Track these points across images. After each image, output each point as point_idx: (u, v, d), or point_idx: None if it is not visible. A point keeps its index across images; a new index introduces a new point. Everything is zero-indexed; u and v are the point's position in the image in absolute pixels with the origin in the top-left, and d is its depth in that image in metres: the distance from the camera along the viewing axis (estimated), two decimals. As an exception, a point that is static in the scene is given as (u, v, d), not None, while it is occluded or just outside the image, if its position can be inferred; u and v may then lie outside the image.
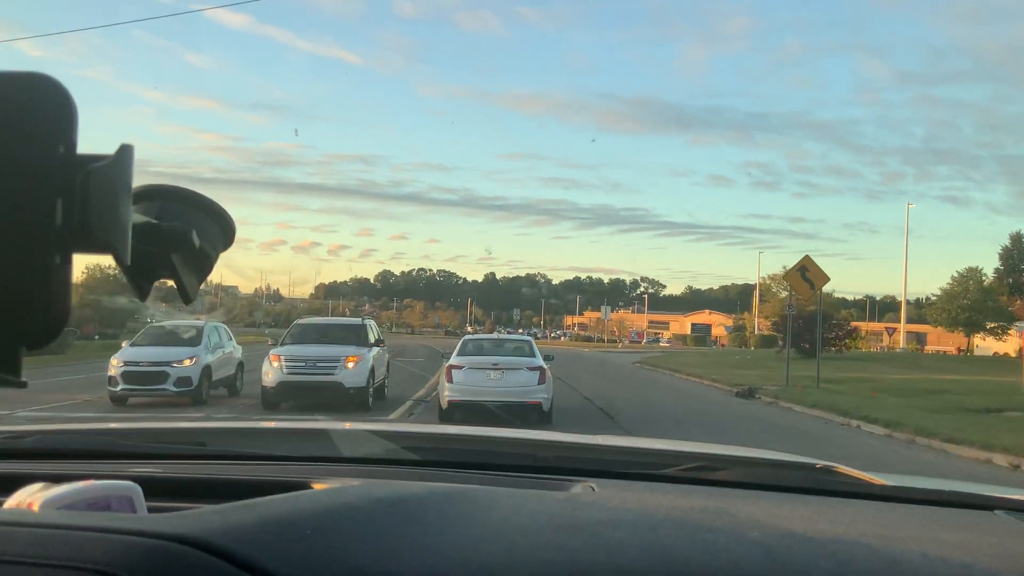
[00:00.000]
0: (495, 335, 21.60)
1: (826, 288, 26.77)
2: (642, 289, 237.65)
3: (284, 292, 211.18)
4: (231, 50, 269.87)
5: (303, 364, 15.42)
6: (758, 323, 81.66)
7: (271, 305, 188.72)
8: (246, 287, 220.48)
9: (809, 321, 40.35)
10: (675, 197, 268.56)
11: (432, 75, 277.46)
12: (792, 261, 25.51)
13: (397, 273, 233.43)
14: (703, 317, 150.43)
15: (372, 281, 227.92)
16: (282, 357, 15.46)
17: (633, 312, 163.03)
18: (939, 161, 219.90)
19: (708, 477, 1.52)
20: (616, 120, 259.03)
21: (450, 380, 13.52)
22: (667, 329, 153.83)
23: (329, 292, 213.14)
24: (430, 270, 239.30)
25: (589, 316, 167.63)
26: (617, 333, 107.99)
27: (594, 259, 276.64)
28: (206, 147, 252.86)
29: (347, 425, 1.91)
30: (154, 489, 1.09)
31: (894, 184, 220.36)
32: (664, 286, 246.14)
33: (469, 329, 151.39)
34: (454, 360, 13.99)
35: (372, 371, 16.03)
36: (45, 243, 0.52)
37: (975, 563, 0.99)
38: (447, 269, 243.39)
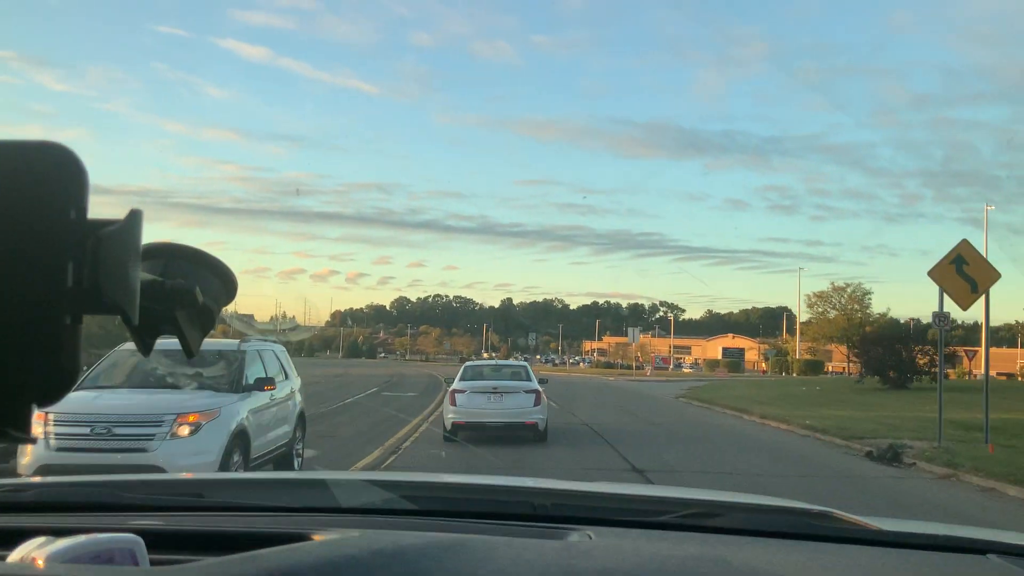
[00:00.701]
0: (494, 361, 21.12)
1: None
2: (662, 313, 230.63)
3: (300, 320, 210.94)
4: (250, 82, 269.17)
5: (86, 432, 7.58)
6: (800, 348, 73.49)
7: (287, 333, 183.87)
8: (261, 315, 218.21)
9: (891, 342, 32.60)
10: (692, 221, 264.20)
11: (448, 103, 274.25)
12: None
13: (413, 300, 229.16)
14: (726, 341, 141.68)
15: (388, 308, 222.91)
16: (50, 417, 7.59)
17: (654, 337, 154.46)
18: (958, 183, 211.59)
19: (704, 524, 1.49)
20: (631, 145, 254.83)
21: (453, 403, 13.93)
22: (688, 354, 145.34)
23: (345, 318, 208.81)
24: (446, 296, 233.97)
25: (608, 341, 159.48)
26: (641, 359, 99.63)
27: (611, 284, 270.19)
28: (226, 177, 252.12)
29: (345, 475, 1.93)
30: (155, 541, 1.08)
31: (912, 206, 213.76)
32: (683, 310, 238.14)
33: (485, 355, 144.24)
34: (457, 385, 14.29)
35: (239, 436, 8.30)
36: (56, 305, 0.53)
37: None
38: (464, 295, 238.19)
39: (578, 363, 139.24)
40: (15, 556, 0.92)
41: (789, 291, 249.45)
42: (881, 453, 13.32)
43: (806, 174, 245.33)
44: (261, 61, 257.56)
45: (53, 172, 0.53)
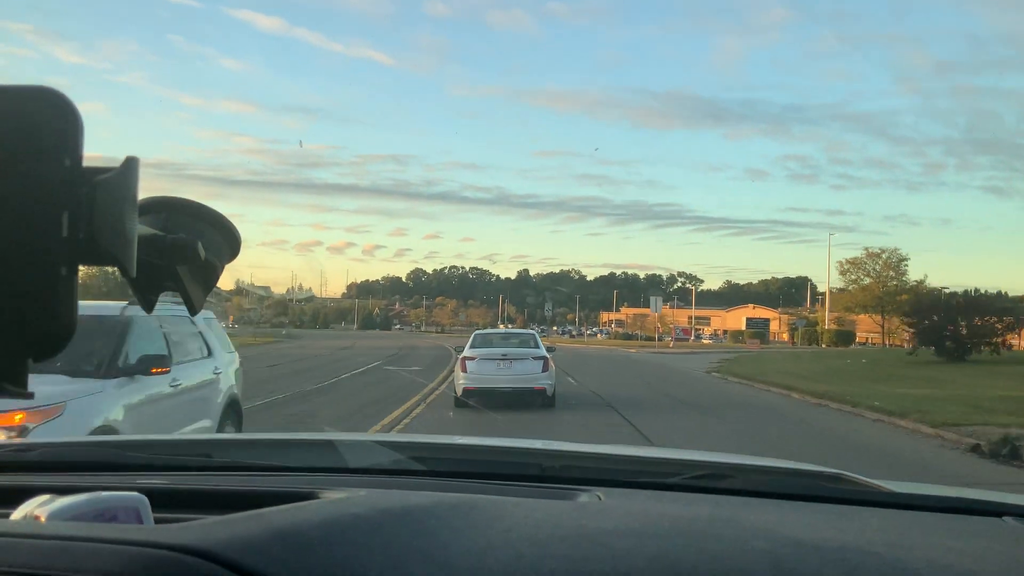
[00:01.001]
0: (504, 330, 21.48)
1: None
2: (680, 284, 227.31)
3: (317, 292, 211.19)
4: (264, 54, 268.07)
5: None
6: (828, 318, 69.94)
7: (301, 304, 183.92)
8: (279, 287, 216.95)
9: (950, 311, 29.21)
10: (710, 192, 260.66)
11: (464, 74, 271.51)
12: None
13: (429, 271, 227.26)
14: (747, 312, 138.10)
15: (404, 280, 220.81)
16: None
17: (672, 308, 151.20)
18: (981, 151, 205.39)
19: (715, 486, 1.48)
20: (649, 116, 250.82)
21: (464, 370, 14.21)
22: (708, 324, 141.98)
23: (361, 291, 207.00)
24: (462, 268, 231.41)
25: (626, 312, 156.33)
26: (661, 329, 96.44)
27: (628, 255, 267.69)
28: (242, 150, 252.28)
29: (353, 436, 1.85)
30: (160, 501, 1.08)
31: (935, 175, 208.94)
32: (702, 281, 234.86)
33: (500, 327, 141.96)
34: (467, 352, 14.50)
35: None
36: (51, 255, 0.51)
37: (983, 570, 0.97)
38: (480, 267, 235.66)
39: (595, 334, 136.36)
40: (18, 514, 0.91)
41: (810, 260, 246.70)
42: (994, 448, 10.27)
43: (827, 143, 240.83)
44: (275, 32, 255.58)
45: (46, 118, 0.52)
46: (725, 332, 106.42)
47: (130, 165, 0.56)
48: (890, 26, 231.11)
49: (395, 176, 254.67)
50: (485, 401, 14.00)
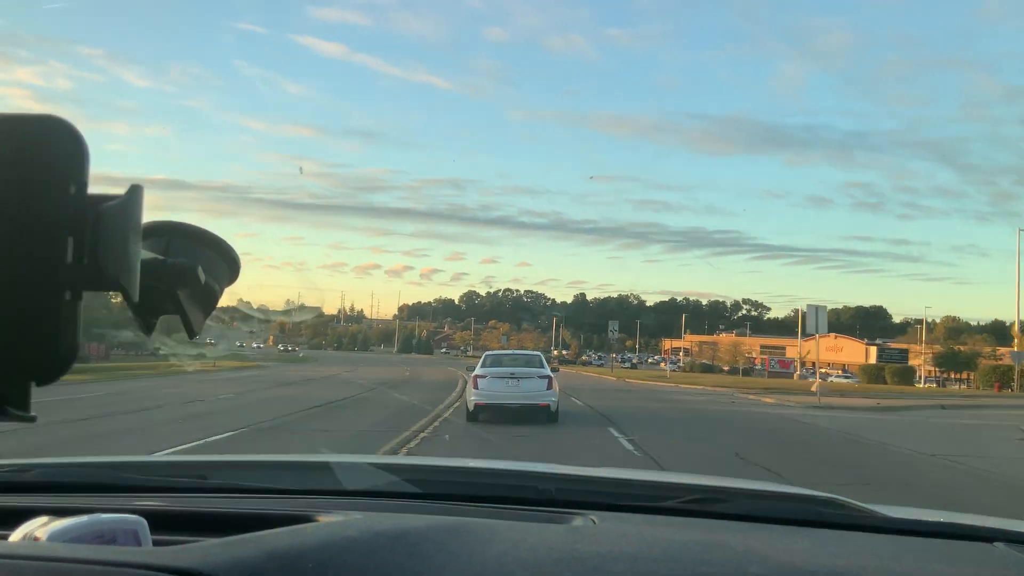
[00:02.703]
0: (512, 351, 19.55)
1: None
2: (744, 311, 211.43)
3: (367, 313, 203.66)
4: (326, 78, 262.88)
5: None
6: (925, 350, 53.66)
7: (345, 326, 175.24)
8: (329, 308, 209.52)
9: None
10: (771, 219, 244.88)
11: (521, 99, 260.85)
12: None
13: (483, 294, 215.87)
14: (828, 342, 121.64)
15: (457, 302, 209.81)
16: None
17: (739, 336, 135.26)
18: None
19: (709, 509, 1.47)
20: (708, 141, 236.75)
21: (476, 387, 14.86)
22: (782, 355, 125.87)
23: (413, 313, 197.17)
24: (517, 291, 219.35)
25: (691, 339, 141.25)
26: (739, 360, 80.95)
27: (686, 283, 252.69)
28: (304, 174, 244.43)
29: (349, 458, 1.84)
30: (159, 522, 1.07)
31: (1005, 205, 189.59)
32: (768, 308, 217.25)
33: (554, 352, 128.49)
34: (478, 371, 15.13)
35: None
36: (56, 280, 0.51)
37: None
38: (535, 291, 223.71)
39: (658, 363, 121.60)
40: (17, 535, 0.89)
41: (877, 290, 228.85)
42: None
43: (893, 170, 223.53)
44: (337, 57, 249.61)
45: (53, 146, 0.51)
46: (845, 367, 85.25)
47: (135, 193, 0.56)
48: (958, 51, 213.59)
49: (453, 200, 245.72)
50: (494, 415, 14.68)
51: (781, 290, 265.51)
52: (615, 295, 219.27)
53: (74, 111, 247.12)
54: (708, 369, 78.01)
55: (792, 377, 68.75)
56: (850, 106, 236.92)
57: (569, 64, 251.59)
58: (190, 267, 0.66)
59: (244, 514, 1.23)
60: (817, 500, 1.52)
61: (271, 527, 0.98)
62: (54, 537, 0.86)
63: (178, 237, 0.70)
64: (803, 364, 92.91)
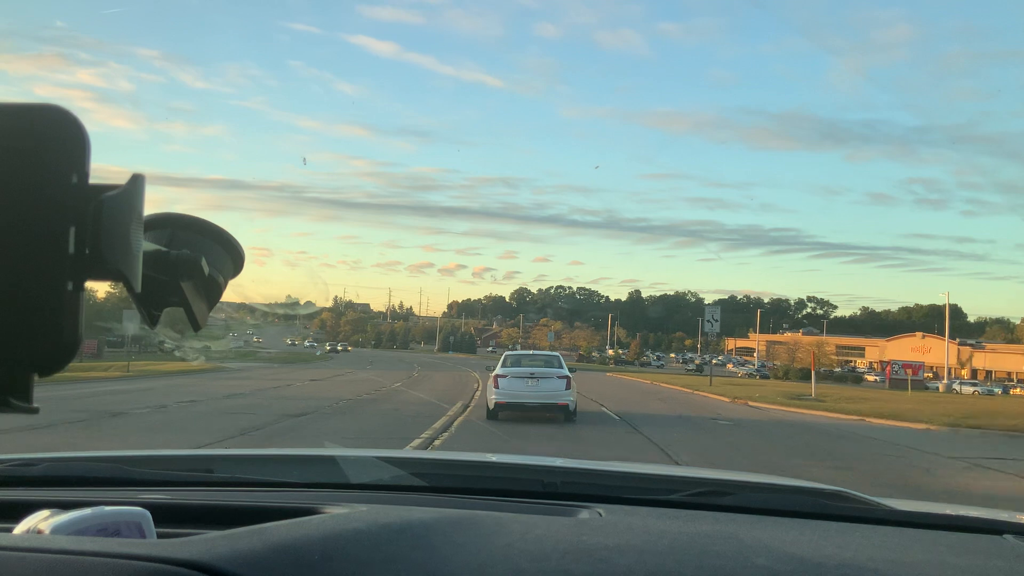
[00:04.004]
0: (531, 352, 20.50)
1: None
2: (809, 310, 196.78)
3: (416, 310, 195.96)
4: (379, 78, 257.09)
5: None
6: None
7: (390, 323, 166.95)
8: (377, 305, 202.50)
9: None
10: (829, 216, 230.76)
11: (574, 96, 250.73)
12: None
13: (534, 291, 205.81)
14: (913, 341, 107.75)
15: (507, 299, 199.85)
16: None
17: (807, 335, 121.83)
18: None
19: (715, 502, 1.45)
20: (764, 137, 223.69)
21: (496, 386, 14.70)
22: (862, 356, 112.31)
23: (463, 310, 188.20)
24: (569, 288, 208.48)
25: (756, 338, 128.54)
26: (826, 362, 68.41)
27: (742, 282, 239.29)
28: (357, 173, 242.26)
29: (354, 451, 1.81)
30: (163, 515, 1.05)
31: None
32: (834, 307, 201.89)
33: (610, 352, 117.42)
34: (499, 371, 15.00)
35: None
36: (57, 271, 0.50)
37: None
38: (589, 287, 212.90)
39: (724, 364, 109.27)
40: (21, 528, 0.88)
41: (941, 289, 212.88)
42: None
43: (956, 166, 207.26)
44: (389, 56, 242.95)
45: (54, 136, 0.50)
46: (1010, 375, 68.02)
47: (136, 182, 0.54)
48: (1022, 43, 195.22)
49: (505, 199, 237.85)
50: (513, 414, 14.46)
51: (839, 289, 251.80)
52: (671, 293, 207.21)
53: (133, 112, 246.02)
54: (806, 376, 65.46)
55: (939, 388, 54.61)
56: (911, 100, 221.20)
57: (621, 60, 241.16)
58: (194, 259, 0.65)
59: (249, 507, 1.20)
60: (824, 493, 1.49)
61: (276, 520, 0.95)
62: (58, 530, 0.84)
63: (182, 229, 0.68)
64: (933, 371, 79.87)
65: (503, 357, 16.18)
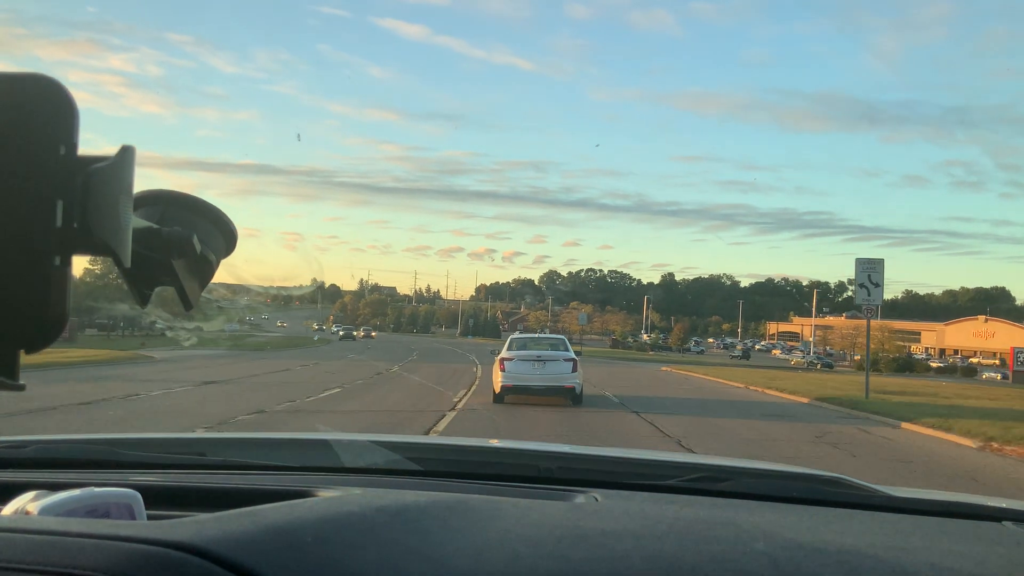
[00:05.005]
0: (536, 335, 20.46)
1: None
2: (850, 293, 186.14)
3: (444, 295, 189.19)
4: (408, 61, 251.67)
5: None
6: None
7: (415, 306, 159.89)
8: (404, 288, 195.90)
9: None
10: (864, 199, 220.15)
11: (604, 78, 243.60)
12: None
13: (564, 275, 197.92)
14: (976, 325, 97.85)
15: (537, 282, 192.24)
16: None
17: (851, 319, 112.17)
18: None
19: (712, 488, 1.43)
20: (799, 118, 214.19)
21: (503, 369, 14.23)
22: (916, 342, 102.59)
23: (490, 293, 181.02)
24: (600, 271, 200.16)
25: (799, 322, 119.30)
26: (891, 349, 59.48)
27: (775, 266, 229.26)
28: (387, 157, 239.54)
29: (349, 435, 1.75)
30: (154, 497, 1.05)
31: None
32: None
33: (644, 336, 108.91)
34: (505, 354, 14.61)
35: None
36: (44, 245, 0.48)
37: (984, 574, 0.94)
38: (620, 270, 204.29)
39: (768, 350, 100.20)
40: (8, 509, 0.85)
41: (979, 272, 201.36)
42: None
43: (995, 147, 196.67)
44: (419, 39, 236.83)
45: (41, 106, 0.48)
46: None
47: (126, 154, 0.52)
48: None
49: (534, 183, 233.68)
50: (519, 397, 14.17)
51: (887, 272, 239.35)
52: (705, 276, 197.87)
53: (166, 98, 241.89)
54: (905, 367, 54.83)
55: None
56: (950, 80, 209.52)
57: (653, 41, 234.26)
58: (185, 236, 0.63)
59: (242, 490, 1.18)
60: (822, 479, 1.47)
61: (269, 503, 0.93)
62: (46, 511, 0.82)
63: (173, 206, 0.66)
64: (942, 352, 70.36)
65: (508, 341, 15.88)
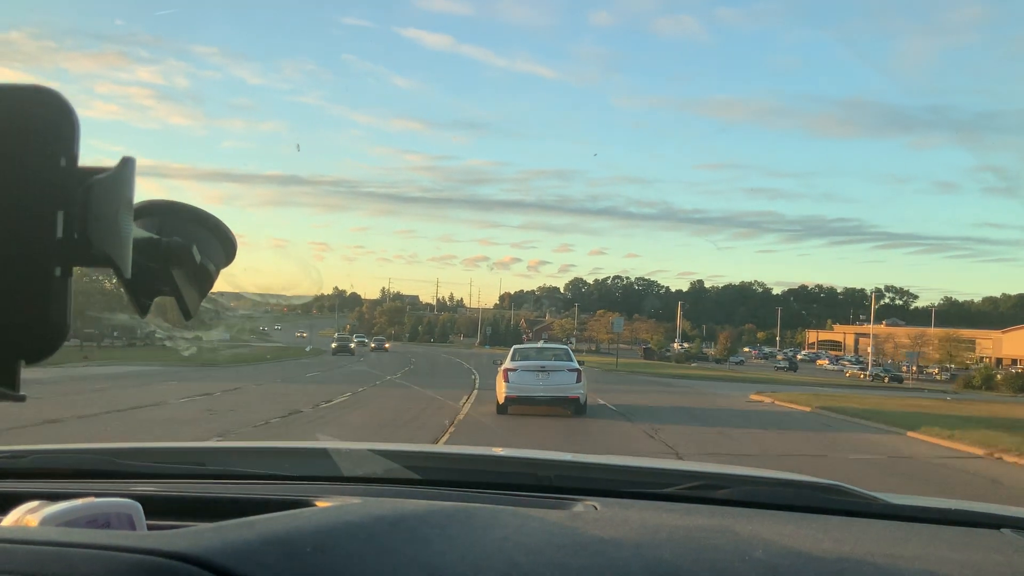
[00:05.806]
0: (540, 345, 18.51)
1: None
2: (887, 300, 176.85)
3: (467, 303, 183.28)
4: (433, 71, 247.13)
5: None
6: None
7: (432, 315, 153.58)
8: (427, 296, 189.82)
9: None
10: (893, 206, 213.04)
11: (628, 85, 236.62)
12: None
13: (590, 282, 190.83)
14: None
15: (562, 290, 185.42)
16: None
17: (891, 327, 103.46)
18: None
19: (711, 496, 1.42)
20: (826, 124, 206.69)
21: (507, 380, 14.20)
22: (972, 351, 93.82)
23: (515, 301, 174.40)
24: (627, 279, 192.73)
25: (841, 330, 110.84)
26: (958, 359, 51.94)
27: (803, 273, 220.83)
28: (412, 167, 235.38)
29: (348, 444, 1.71)
30: (154, 507, 1.03)
31: None
32: (915, 296, 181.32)
33: (675, 346, 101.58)
34: (508, 365, 14.56)
35: None
36: (45, 256, 0.48)
37: None
38: (647, 278, 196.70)
39: (812, 360, 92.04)
40: (9, 520, 0.85)
41: (1013, 280, 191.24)
42: None
43: None
44: (443, 48, 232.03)
45: (43, 118, 0.48)
46: None
47: (126, 165, 0.52)
48: None
49: (559, 192, 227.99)
50: (524, 407, 14.11)
51: (904, 280, 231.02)
52: (735, 283, 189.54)
53: (193, 109, 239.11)
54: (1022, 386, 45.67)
55: None
56: (980, 84, 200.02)
57: (678, 47, 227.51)
58: (184, 246, 0.63)
59: (241, 499, 1.18)
60: (820, 487, 1.46)
61: (268, 512, 0.93)
62: (46, 521, 0.81)
63: (173, 217, 0.66)
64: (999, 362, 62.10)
65: (511, 351, 15.77)
